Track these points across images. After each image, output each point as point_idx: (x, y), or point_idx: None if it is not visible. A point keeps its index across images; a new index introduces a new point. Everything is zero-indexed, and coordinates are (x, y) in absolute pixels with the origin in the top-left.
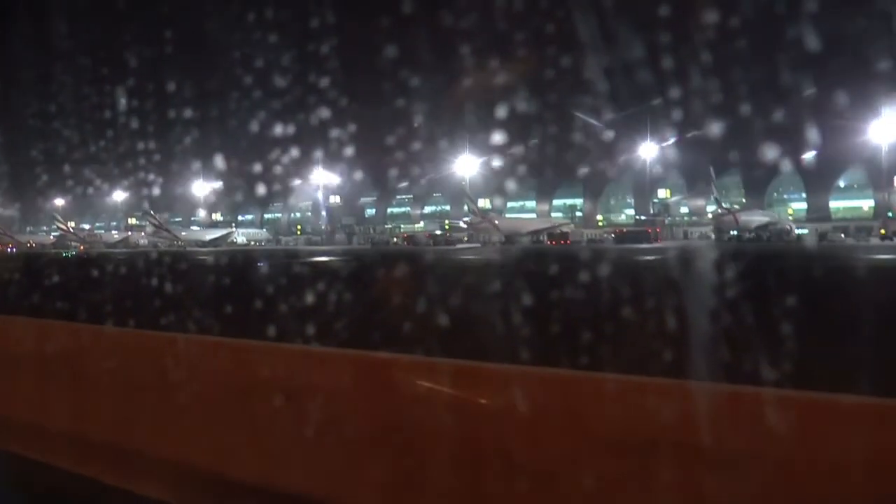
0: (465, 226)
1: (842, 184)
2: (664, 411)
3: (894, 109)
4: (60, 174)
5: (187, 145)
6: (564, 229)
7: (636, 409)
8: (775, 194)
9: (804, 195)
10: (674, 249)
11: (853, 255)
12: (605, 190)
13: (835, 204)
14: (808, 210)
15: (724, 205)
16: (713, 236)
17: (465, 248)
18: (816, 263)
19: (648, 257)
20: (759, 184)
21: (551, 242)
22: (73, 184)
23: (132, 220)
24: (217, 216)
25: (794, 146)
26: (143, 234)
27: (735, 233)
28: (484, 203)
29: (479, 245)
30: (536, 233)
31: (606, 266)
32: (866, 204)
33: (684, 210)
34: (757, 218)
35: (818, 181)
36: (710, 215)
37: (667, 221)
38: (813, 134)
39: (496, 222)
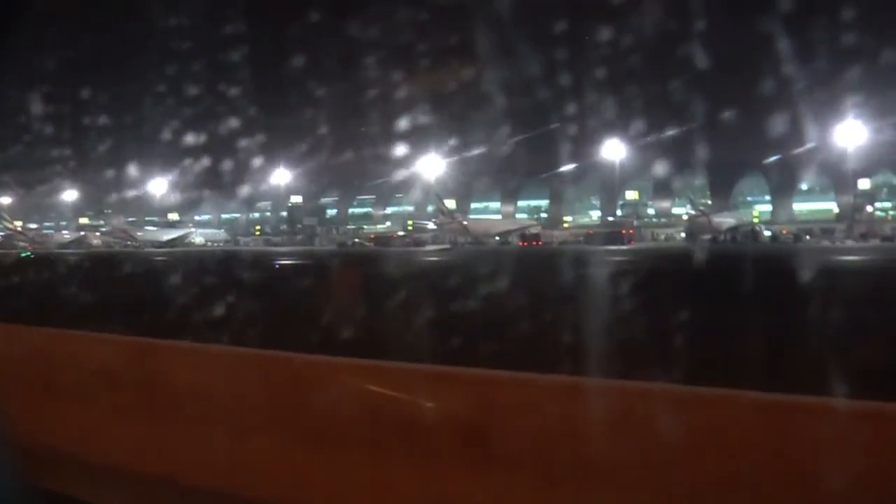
0: (432, 226)
1: (804, 186)
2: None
3: (858, 113)
4: (5, 171)
5: (142, 143)
6: (534, 230)
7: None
8: (739, 196)
9: (768, 197)
10: (680, 252)
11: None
12: (570, 192)
13: (798, 206)
14: (773, 212)
15: (698, 207)
16: (682, 237)
17: (438, 250)
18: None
19: (671, 260)
20: (724, 186)
21: (523, 244)
22: (19, 182)
23: (83, 220)
24: (173, 216)
25: (759, 149)
26: (97, 233)
27: (709, 235)
28: (448, 204)
29: (448, 246)
30: (505, 234)
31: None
32: (834, 206)
33: (651, 212)
34: (728, 220)
35: (783, 184)
36: (685, 216)
37: (635, 223)
38: (778, 137)
39: (465, 223)
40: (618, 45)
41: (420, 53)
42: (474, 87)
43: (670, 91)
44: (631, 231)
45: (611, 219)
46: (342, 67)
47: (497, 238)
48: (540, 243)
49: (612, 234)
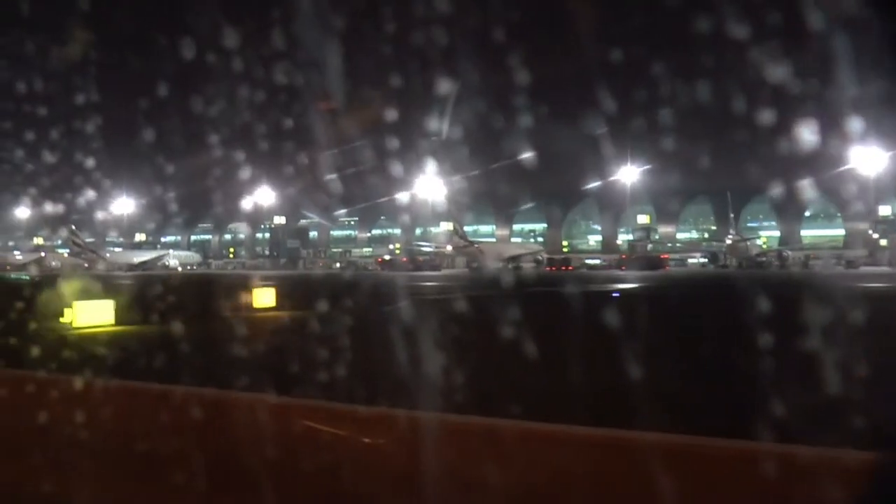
0: (428, 249)
1: (808, 213)
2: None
3: (874, 139)
4: None
5: (106, 159)
6: (544, 255)
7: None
8: (744, 222)
9: (774, 223)
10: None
11: None
12: (569, 215)
13: (804, 233)
14: (781, 238)
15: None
16: (700, 262)
17: (453, 274)
18: None
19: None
20: (729, 211)
21: (551, 269)
22: None
23: (39, 240)
24: (141, 237)
25: (765, 175)
26: (65, 254)
27: (746, 260)
28: (444, 227)
29: (467, 270)
30: (517, 258)
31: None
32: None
33: (657, 237)
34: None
35: (790, 210)
36: (728, 241)
37: (649, 248)
38: (786, 163)
39: (479, 247)
40: (623, 70)
41: (410, 73)
42: (467, 106)
43: (676, 115)
44: (666, 256)
45: (618, 243)
46: (328, 86)
47: (516, 262)
48: (570, 268)
49: (653, 259)
